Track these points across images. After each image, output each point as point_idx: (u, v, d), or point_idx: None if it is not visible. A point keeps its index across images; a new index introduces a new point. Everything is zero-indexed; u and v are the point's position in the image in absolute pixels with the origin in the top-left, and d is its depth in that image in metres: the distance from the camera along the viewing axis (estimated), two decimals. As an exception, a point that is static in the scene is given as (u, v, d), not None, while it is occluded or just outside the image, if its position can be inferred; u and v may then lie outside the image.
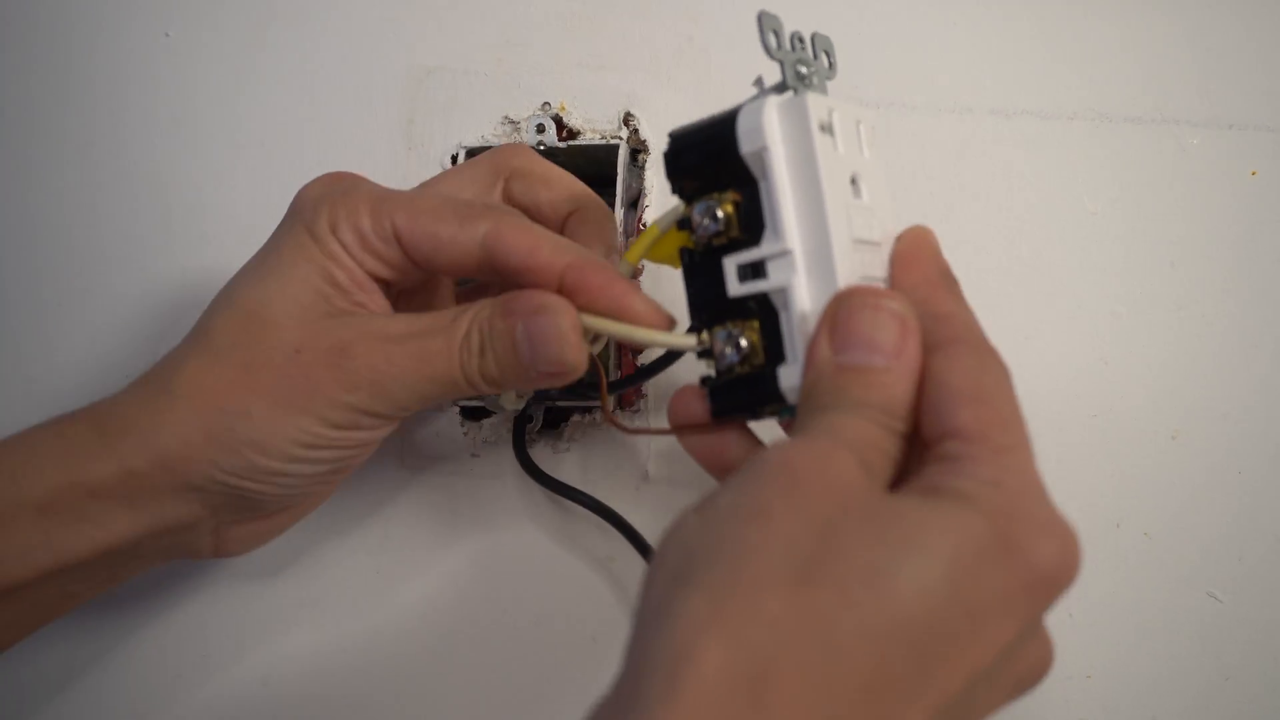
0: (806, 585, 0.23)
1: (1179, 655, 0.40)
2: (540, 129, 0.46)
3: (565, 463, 0.45)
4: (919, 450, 0.28)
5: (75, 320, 0.50)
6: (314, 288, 0.34)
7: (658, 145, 0.46)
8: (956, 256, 0.32)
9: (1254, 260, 0.42)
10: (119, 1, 0.52)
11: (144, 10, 0.52)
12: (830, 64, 0.32)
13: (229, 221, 0.50)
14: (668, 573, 0.25)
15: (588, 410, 0.45)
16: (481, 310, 0.33)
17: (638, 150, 0.46)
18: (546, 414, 0.46)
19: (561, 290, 0.32)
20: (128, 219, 0.50)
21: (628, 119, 0.47)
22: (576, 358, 0.32)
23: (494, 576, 0.45)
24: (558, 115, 0.47)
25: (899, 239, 0.32)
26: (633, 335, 0.32)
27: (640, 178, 0.46)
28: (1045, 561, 0.25)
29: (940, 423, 0.27)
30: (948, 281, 0.31)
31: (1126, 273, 0.43)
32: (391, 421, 0.35)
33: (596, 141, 0.46)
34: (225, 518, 0.36)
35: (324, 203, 0.34)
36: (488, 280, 0.39)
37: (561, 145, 0.46)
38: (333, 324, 0.33)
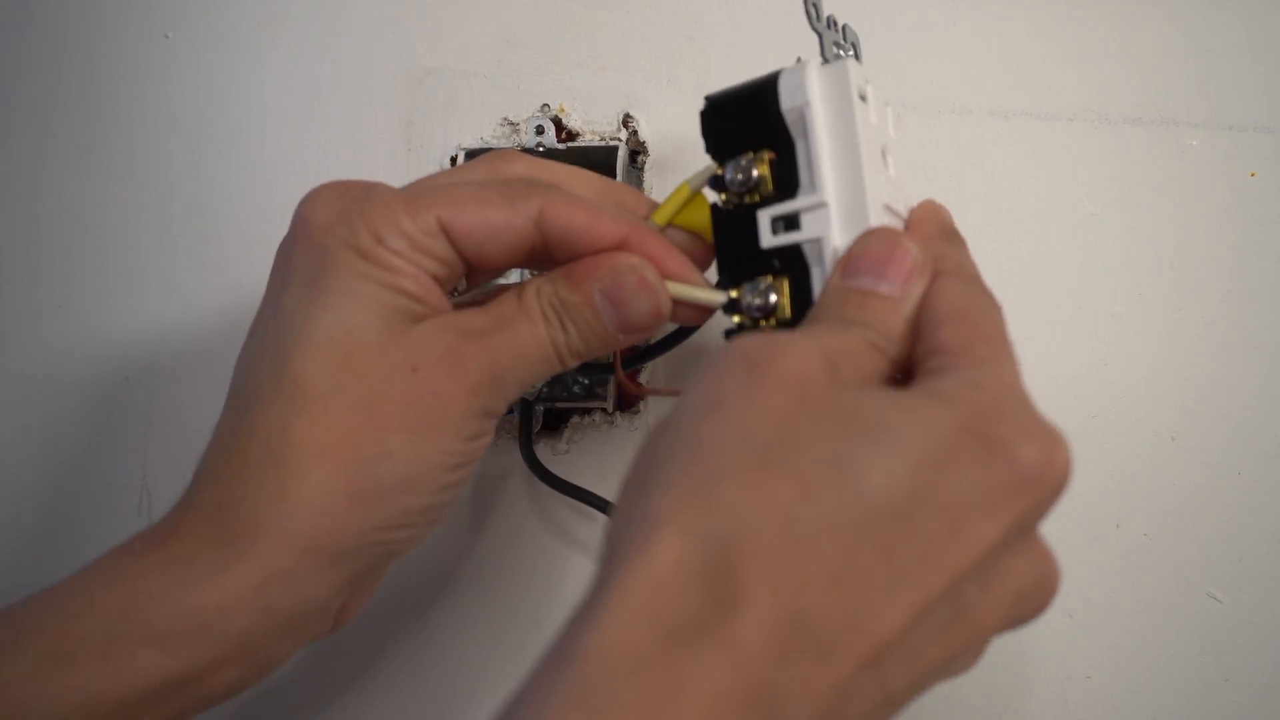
0: (764, 475, 0.23)
1: (1179, 655, 0.40)
2: (539, 130, 0.46)
3: (565, 464, 0.45)
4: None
5: (75, 321, 0.50)
6: (389, 303, 0.30)
7: (657, 147, 0.46)
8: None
9: (1253, 261, 0.42)
10: (119, 1, 0.52)
11: (144, 10, 0.52)
12: (857, 56, 0.33)
13: (229, 222, 0.50)
14: (631, 484, 0.25)
15: (587, 411, 0.45)
16: (542, 287, 0.32)
17: (637, 152, 0.46)
18: (546, 415, 0.46)
19: None
20: (127, 219, 0.50)
21: (627, 120, 0.47)
22: (668, 302, 0.32)
23: (495, 576, 0.45)
24: (557, 117, 0.47)
25: (912, 210, 0.33)
26: (686, 294, 0.33)
27: (639, 179, 0.46)
28: (1028, 461, 0.24)
29: (924, 345, 0.27)
30: (947, 234, 0.32)
31: (1126, 274, 0.43)
32: (496, 423, 0.33)
33: (595, 143, 0.46)
34: (357, 583, 0.32)
35: (353, 215, 0.31)
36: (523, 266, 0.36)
37: (560, 147, 0.46)
38: (426, 331, 0.30)
